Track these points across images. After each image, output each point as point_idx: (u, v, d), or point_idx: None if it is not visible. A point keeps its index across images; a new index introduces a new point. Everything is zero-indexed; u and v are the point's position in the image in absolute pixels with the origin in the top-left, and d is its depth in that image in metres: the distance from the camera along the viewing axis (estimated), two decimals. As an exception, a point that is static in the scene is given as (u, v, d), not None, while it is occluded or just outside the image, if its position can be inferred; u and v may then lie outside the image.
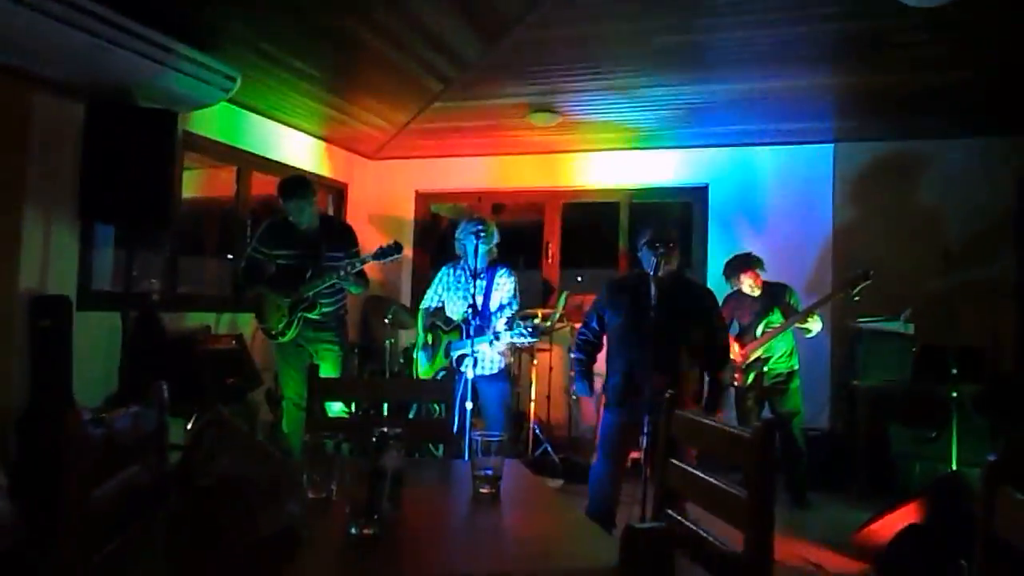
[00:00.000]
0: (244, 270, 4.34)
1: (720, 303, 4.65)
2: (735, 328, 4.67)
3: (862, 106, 4.82)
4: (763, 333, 4.50)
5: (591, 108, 5.05)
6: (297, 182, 4.17)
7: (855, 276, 4.39)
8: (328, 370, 4.22)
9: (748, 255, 4.65)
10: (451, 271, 4.13)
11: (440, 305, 4.16)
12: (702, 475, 1.67)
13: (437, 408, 4.32)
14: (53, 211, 3.78)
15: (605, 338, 3.54)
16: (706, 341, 3.35)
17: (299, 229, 4.16)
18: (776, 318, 4.51)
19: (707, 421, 1.74)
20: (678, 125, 5.37)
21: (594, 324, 3.54)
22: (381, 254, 4.04)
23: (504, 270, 4.04)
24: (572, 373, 5.45)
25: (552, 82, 4.55)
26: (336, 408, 4.18)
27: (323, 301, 4.16)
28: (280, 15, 3.57)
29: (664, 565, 0.72)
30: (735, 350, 4.52)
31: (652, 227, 3.41)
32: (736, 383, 4.59)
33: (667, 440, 1.86)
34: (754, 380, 4.58)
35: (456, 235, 4.11)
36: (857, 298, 4.43)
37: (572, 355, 3.76)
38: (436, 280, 4.19)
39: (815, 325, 4.47)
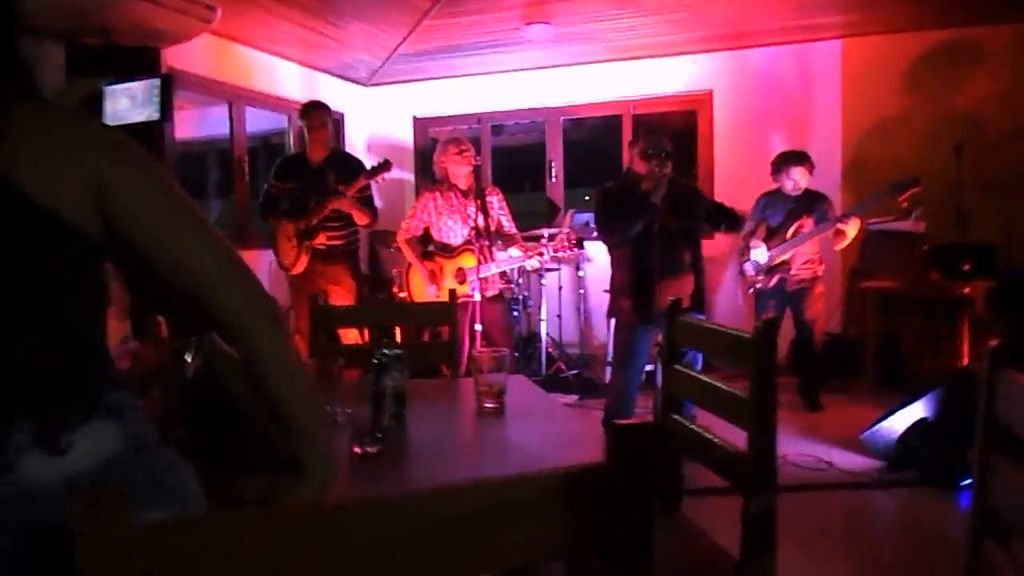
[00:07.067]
0: (261, 205, 4.47)
1: (754, 202, 4.62)
2: (764, 230, 4.60)
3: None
4: (793, 236, 4.41)
5: (586, 17, 4.86)
6: (317, 102, 4.41)
7: (904, 182, 4.12)
8: (340, 302, 4.26)
9: (801, 151, 4.51)
10: (437, 195, 4.05)
11: (420, 233, 4.13)
12: (706, 379, 1.68)
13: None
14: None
15: (608, 251, 3.54)
16: (709, 211, 3.33)
17: (309, 161, 4.27)
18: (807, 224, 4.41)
19: (709, 326, 1.74)
20: (678, 30, 5.16)
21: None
22: (371, 172, 4.11)
23: (492, 188, 4.11)
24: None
25: (544, -9, 4.38)
26: (351, 336, 4.23)
27: (330, 234, 4.19)
28: (255, -64, 3.43)
29: (651, 463, 0.71)
30: (762, 251, 4.46)
31: (643, 136, 3.38)
32: (759, 285, 4.57)
33: (671, 346, 1.86)
34: (777, 284, 4.53)
35: (435, 158, 4.07)
36: (906, 205, 4.24)
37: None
38: (419, 207, 4.09)
39: (852, 230, 4.23)
